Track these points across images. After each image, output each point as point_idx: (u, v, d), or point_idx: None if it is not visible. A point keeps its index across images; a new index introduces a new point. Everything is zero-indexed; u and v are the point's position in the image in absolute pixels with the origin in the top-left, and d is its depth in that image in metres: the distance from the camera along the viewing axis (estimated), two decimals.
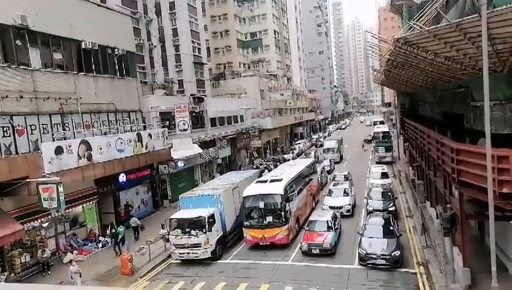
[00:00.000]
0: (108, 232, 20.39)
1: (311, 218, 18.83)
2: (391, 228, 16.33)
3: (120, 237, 19.25)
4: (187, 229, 17.15)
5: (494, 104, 10.18)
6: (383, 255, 14.71)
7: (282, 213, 18.10)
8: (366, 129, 70.66)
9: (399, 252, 14.79)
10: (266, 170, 36.39)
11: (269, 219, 18.12)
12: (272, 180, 20.34)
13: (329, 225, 17.61)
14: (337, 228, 18.00)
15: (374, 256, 14.80)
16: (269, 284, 14.55)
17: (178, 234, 17.22)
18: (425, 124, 19.59)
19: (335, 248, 16.84)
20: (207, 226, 16.85)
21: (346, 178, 28.78)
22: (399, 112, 40.35)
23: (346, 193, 23.45)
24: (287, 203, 18.69)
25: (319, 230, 17.39)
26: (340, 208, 22.12)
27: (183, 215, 17.78)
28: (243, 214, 18.81)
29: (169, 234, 17.82)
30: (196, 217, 17.17)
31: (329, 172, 36.09)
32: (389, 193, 22.69)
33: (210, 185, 21.43)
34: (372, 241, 15.44)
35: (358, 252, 15.28)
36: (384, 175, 28.82)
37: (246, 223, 18.44)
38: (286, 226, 18.07)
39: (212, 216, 17.39)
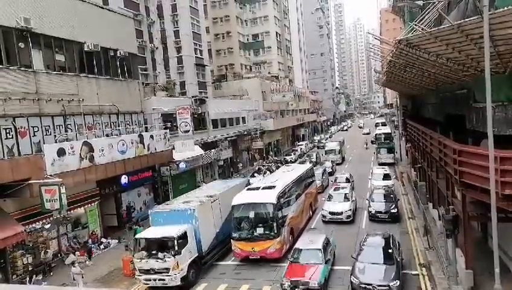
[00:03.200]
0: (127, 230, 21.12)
1: (297, 245, 15.51)
2: (390, 251, 13.81)
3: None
4: (153, 252, 14.82)
5: (497, 105, 10.16)
6: (379, 285, 12.43)
7: (275, 224, 16.46)
8: (363, 139, 61.30)
9: (398, 282, 12.47)
10: (268, 172, 36.39)
11: (260, 230, 16.55)
12: (264, 188, 18.74)
13: (320, 255, 14.32)
14: (328, 259, 14.70)
15: (368, 287, 12.51)
16: (271, 286, 14.51)
17: (143, 257, 14.69)
18: (428, 125, 19.55)
19: (325, 285, 13.63)
20: (176, 248, 14.33)
21: (347, 180, 28.21)
22: (401, 114, 40.33)
23: (346, 198, 22.42)
24: (280, 213, 17.22)
25: (306, 262, 14.19)
26: (340, 214, 21.31)
27: (149, 235, 15.32)
28: (230, 225, 17.20)
29: (133, 256, 15.37)
30: (163, 237, 14.72)
31: (330, 174, 35.75)
32: (391, 195, 22.31)
33: (188, 197, 18.86)
34: (367, 267, 13.17)
35: (351, 281, 13.01)
36: (386, 177, 28.54)
37: (234, 234, 16.87)
38: (278, 239, 16.41)
39: (183, 235, 14.92)
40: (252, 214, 16.87)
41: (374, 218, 21.14)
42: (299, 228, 20.08)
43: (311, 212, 23.33)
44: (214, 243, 17.21)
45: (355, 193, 25.33)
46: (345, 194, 22.90)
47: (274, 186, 18.63)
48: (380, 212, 20.94)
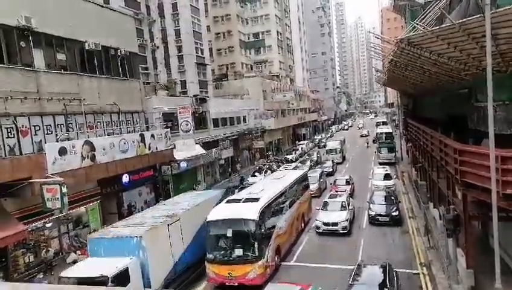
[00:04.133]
0: None
1: None
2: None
3: None
4: None
5: (498, 104, 10.16)
6: None
7: (256, 244, 13.94)
8: (361, 142, 59.25)
9: None
10: (269, 171, 36.40)
11: (238, 251, 13.99)
12: (246, 200, 16.09)
13: None
14: None
15: None
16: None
17: None
18: (429, 124, 19.53)
19: None
20: None
21: (347, 182, 27.33)
22: (402, 113, 40.29)
23: (343, 207, 20.37)
24: (264, 231, 14.83)
25: None
26: (336, 225, 19.26)
27: (77, 273, 11.80)
28: (203, 245, 14.88)
29: None
30: (94, 278, 11.13)
31: (330, 174, 35.23)
32: (392, 197, 21.68)
33: (143, 216, 15.73)
34: None
35: None
36: (387, 177, 28.13)
37: (209, 255, 14.34)
38: (260, 262, 13.92)
39: (122, 274, 11.55)
40: (229, 232, 14.13)
41: (374, 221, 20.34)
42: (287, 245, 17.59)
43: (303, 224, 20.94)
44: (170, 277, 13.89)
45: (354, 199, 24.59)
46: (342, 202, 20.80)
47: (258, 199, 15.85)
48: (381, 215, 20.26)
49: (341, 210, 20.20)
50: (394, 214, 20.13)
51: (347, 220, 19.48)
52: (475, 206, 12.11)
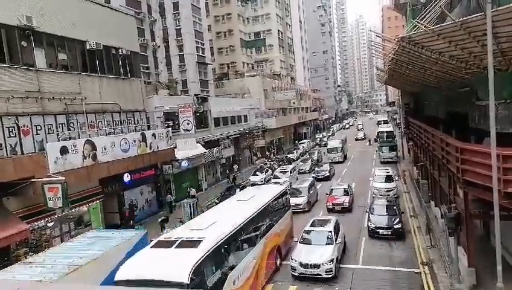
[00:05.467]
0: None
1: None
2: None
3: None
4: None
5: (499, 103, 10.14)
6: None
7: None
8: (360, 147, 54.96)
9: None
10: (270, 170, 36.41)
11: None
12: (182, 243, 10.91)
13: None
14: None
15: None
16: (273, 284, 14.54)
17: None
18: (430, 123, 19.51)
19: None
20: None
21: (346, 192, 23.87)
22: (403, 112, 40.25)
23: (329, 240, 15.12)
24: None
25: None
26: (317, 267, 13.98)
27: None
28: None
29: None
30: None
31: (328, 178, 32.93)
32: (395, 207, 19.50)
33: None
34: None
35: None
36: (388, 178, 26.52)
37: None
38: None
39: None
40: None
41: (374, 234, 18.15)
42: None
43: (278, 261, 15.65)
44: None
45: (352, 213, 22.29)
46: (328, 234, 15.46)
47: (199, 242, 10.76)
48: (382, 227, 18.06)
49: (326, 244, 14.97)
50: (397, 226, 17.89)
51: (332, 261, 14.11)
52: (476, 204, 12.10)
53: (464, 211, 12.14)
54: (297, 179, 32.04)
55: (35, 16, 17.39)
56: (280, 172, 33.43)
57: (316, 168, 35.86)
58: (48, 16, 18.29)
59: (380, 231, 17.97)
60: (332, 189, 24.98)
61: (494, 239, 10.39)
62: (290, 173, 32.73)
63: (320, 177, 33.14)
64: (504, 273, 10.04)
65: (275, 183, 27.68)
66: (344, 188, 24.44)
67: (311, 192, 25.05)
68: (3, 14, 16.14)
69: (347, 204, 23.02)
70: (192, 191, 28.35)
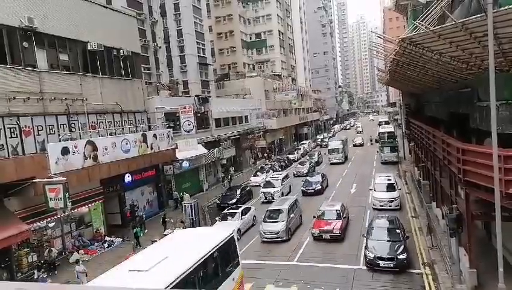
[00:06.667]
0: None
1: None
2: None
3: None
4: None
5: (501, 103, 10.12)
6: None
7: None
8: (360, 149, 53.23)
9: None
10: (271, 170, 36.38)
11: None
12: None
13: None
14: None
15: None
16: (274, 284, 14.53)
17: None
18: (431, 124, 19.49)
19: None
20: None
21: (338, 215, 18.96)
22: (404, 112, 40.21)
23: None
24: None
25: None
26: None
27: None
28: None
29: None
30: None
31: (319, 192, 27.70)
32: (398, 230, 15.93)
33: None
34: None
35: None
36: (390, 187, 23.31)
37: None
38: None
39: None
40: None
41: (373, 266, 14.72)
42: None
43: None
44: None
45: (346, 240, 17.98)
46: None
47: None
48: (382, 258, 14.52)
49: None
50: (401, 257, 14.48)
51: None
52: (478, 205, 12.08)
53: (465, 212, 12.12)
54: (290, 188, 30.04)
55: (37, 17, 17.43)
56: (272, 179, 29.56)
57: (307, 178, 30.18)
58: (50, 17, 18.34)
59: (381, 263, 14.54)
60: (321, 211, 19.83)
61: (496, 240, 10.36)
62: (282, 181, 28.68)
63: (310, 192, 28.06)
64: (505, 274, 10.03)
65: (226, 218, 21.31)
66: (336, 210, 19.44)
67: (291, 215, 19.98)
68: (4, 15, 16.19)
69: (338, 231, 18.02)
70: (186, 197, 26.03)
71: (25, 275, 16.41)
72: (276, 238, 18.79)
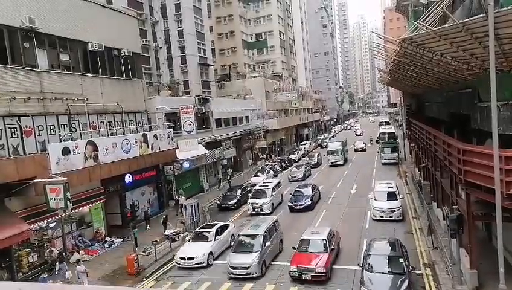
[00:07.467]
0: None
1: None
2: None
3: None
4: None
5: (502, 104, 10.11)
6: None
7: None
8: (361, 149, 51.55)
9: None
10: (271, 171, 36.35)
11: None
12: None
13: None
14: None
15: None
16: (274, 285, 14.52)
17: None
18: (432, 124, 19.48)
19: None
20: None
21: (325, 247, 14.97)
22: (405, 113, 40.20)
23: None
24: None
25: None
26: None
27: None
28: None
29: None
30: None
31: (309, 208, 23.85)
32: (400, 259, 13.10)
33: None
34: None
35: None
36: (391, 196, 21.33)
37: None
38: None
39: None
40: None
41: None
42: None
43: None
44: None
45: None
46: None
47: None
48: None
49: None
50: None
51: None
52: (479, 206, 12.07)
53: (466, 213, 12.11)
54: (282, 197, 27.18)
55: (38, 17, 17.44)
56: (262, 187, 26.27)
57: (296, 189, 26.10)
58: (50, 18, 18.36)
59: None
60: (303, 239, 15.78)
61: (496, 241, 10.35)
62: (273, 191, 25.41)
63: (298, 208, 23.98)
64: (506, 275, 10.02)
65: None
66: (322, 239, 15.33)
67: (267, 244, 16.14)
68: (6, 16, 16.21)
69: (322, 269, 14.01)
70: (182, 199, 25.64)
71: (26, 275, 16.42)
72: (246, 274, 15.03)
